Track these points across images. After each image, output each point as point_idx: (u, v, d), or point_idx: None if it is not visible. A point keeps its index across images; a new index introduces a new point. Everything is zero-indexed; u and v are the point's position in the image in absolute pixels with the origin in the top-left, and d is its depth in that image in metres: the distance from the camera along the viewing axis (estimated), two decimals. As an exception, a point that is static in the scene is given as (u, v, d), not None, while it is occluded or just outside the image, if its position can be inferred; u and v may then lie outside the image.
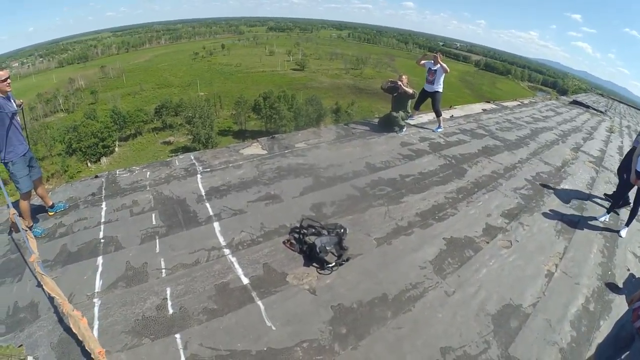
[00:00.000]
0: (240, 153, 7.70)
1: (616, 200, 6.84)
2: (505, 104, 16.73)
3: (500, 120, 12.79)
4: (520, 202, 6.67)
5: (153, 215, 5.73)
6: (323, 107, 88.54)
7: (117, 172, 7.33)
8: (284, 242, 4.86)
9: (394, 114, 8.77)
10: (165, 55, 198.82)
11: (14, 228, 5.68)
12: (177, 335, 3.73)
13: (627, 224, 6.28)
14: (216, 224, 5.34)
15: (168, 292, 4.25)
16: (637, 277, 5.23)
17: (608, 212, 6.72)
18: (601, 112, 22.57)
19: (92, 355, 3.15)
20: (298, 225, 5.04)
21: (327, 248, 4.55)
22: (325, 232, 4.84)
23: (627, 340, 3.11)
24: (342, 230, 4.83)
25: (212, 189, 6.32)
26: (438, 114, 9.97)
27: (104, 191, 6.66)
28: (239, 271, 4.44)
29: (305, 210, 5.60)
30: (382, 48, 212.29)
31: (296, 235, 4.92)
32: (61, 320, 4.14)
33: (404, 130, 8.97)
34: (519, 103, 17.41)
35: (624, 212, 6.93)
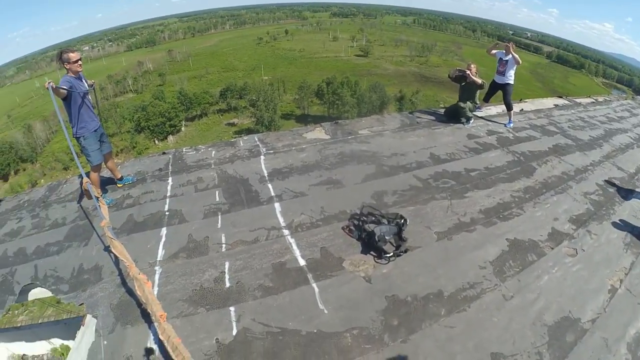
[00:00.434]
0: (304, 137, 7.91)
1: None
2: (578, 100, 15.72)
3: (572, 118, 12.02)
4: (590, 208, 6.26)
5: (217, 193, 6.09)
6: (386, 95, 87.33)
7: (184, 150, 7.85)
8: (342, 228, 4.98)
9: (462, 104, 8.55)
10: (230, 40, 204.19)
11: (86, 195, 6.32)
12: (232, 308, 3.99)
13: None
14: (277, 205, 5.57)
15: (227, 266, 4.54)
16: None
17: None
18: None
19: (153, 318, 3.40)
20: (358, 212, 5.15)
21: (386, 237, 4.58)
22: (385, 221, 4.87)
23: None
24: (402, 221, 4.82)
25: (275, 170, 6.58)
26: (509, 108, 9.52)
27: (170, 167, 7.19)
28: (297, 252, 4.63)
29: (366, 197, 5.66)
30: (448, 35, 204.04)
31: (355, 222, 5.01)
32: (123, 283, 4.59)
33: (471, 122, 8.72)
34: (593, 100, 16.23)
35: None
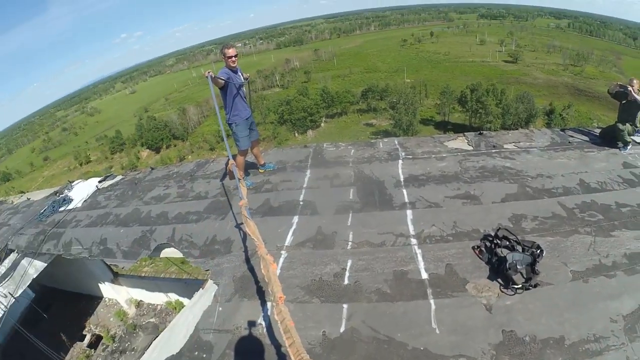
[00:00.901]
0: (445, 145, 7.75)
1: None
2: None
3: None
4: None
5: (351, 191, 6.31)
6: (535, 107, 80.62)
7: (324, 145, 8.28)
8: (473, 248, 4.78)
9: (620, 126, 7.55)
10: (374, 42, 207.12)
11: (230, 175, 7.07)
12: (345, 306, 4.10)
13: None
14: (409, 212, 5.55)
15: (349, 263, 4.67)
16: None
17: None
18: None
19: (272, 298, 3.64)
20: (492, 233, 4.89)
21: (518, 267, 4.28)
22: (519, 248, 4.56)
23: None
24: (538, 251, 4.48)
25: (411, 176, 6.56)
26: None
27: (310, 160, 7.66)
28: (421, 264, 4.56)
29: (503, 219, 5.34)
30: (606, 42, 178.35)
31: (488, 244, 4.77)
32: (247, 260, 5.04)
33: (628, 147, 7.64)
34: None
35: None
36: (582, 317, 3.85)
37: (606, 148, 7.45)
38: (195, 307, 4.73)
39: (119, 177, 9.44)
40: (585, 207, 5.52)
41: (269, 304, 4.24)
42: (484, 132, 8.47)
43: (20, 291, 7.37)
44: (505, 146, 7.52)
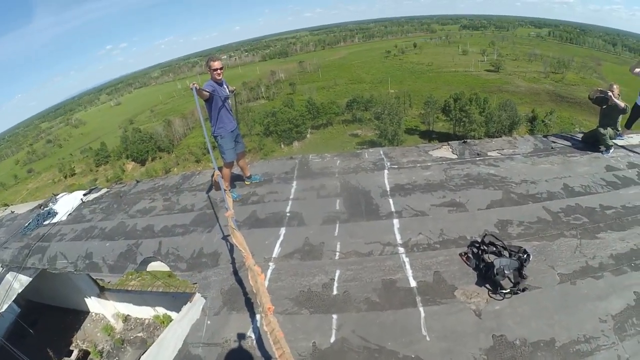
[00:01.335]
0: (430, 154, 7.80)
1: None
2: None
3: None
4: None
5: (338, 201, 6.31)
6: (517, 114, 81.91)
7: (310, 157, 8.28)
8: (460, 254, 4.80)
9: (602, 130, 7.70)
10: (359, 53, 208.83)
11: (215, 187, 7.04)
12: (334, 316, 4.08)
13: None
14: (396, 221, 5.56)
15: (337, 274, 4.65)
16: None
17: None
18: None
19: (261, 309, 3.61)
20: (479, 240, 4.91)
21: (506, 272, 4.30)
22: (506, 253, 4.59)
23: None
24: (525, 256, 4.50)
25: (397, 186, 6.57)
26: None
27: (296, 171, 7.64)
28: (409, 272, 4.56)
29: (489, 225, 5.38)
30: (586, 49, 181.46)
31: (475, 250, 4.79)
32: (235, 272, 5.00)
33: (610, 151, 7.78)
34: None
35: None
36: (572, 319, 3.89)
37: (589, 152, 7.57)
38: (183, 321, 4.67)
39: (104, 190, 9.32)
40: (570, 211, 5.60)
41: (258, 316, 4.20)
42: (468, 140, 8.54)
43: (5, 306, 7.21)
44: (489, 154, 7.60)
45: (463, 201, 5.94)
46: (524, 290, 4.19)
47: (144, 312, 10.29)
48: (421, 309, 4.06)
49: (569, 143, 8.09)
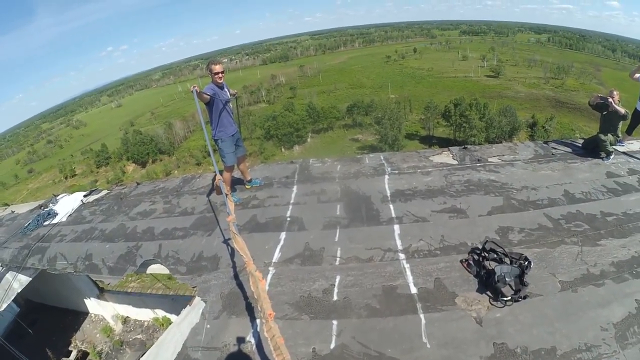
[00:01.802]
0: (430, 160, 7.79)
1: None
2: None
3: None
4: None
5: (338, 206, 6.28)
6: (517, 120, 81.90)
7: (311, 161, 8.26)
8: (461, 261, 4.77)
9: (602, 136, 7.68)
10: (359, 58, 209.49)
11: (217, 191, 7.01)
12: (335, 322, 4.05)
13: None
14: (396, 227, 5.54)
15: (337, 279, 4.63)
16: None
17: None
18: None
19: (262, 314, 3.59)
20: (480, 246, 4.89)
21: (507, 279, 4.29)
22: (507, 260, 4.57)
23: None
24: (526, 263, 4.48)
25: (398, 191, 6.55)
26: None
27: (297, 176, 7.63)
28: (410, 279, 4.54)
29: (490, 231, 5.36)
30: (585, 55, 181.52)
31: (475, 257, 4.76)
32: (236, 276, 4.97)
33: (611, 157, 7.77)
34: None
35: None
36: (573, 327, 3.86)
37: (589, 158, 7.56)
38: (182, 324, 4.64)
39: (104, 192, 9.30)
40: (570, 218, 5.58)
41: (257, 321, 4.18)
42: (469, 146, 8.52)
43: (4, 305, 7.16)
44: (489, 160, 7.59)
45: (464, 207, 5.91)
46: (525, 297, 4.16)
47: (144, 314, 10.25)
48: (422, 315, 4.03)
49: (569, 149, 8.08)
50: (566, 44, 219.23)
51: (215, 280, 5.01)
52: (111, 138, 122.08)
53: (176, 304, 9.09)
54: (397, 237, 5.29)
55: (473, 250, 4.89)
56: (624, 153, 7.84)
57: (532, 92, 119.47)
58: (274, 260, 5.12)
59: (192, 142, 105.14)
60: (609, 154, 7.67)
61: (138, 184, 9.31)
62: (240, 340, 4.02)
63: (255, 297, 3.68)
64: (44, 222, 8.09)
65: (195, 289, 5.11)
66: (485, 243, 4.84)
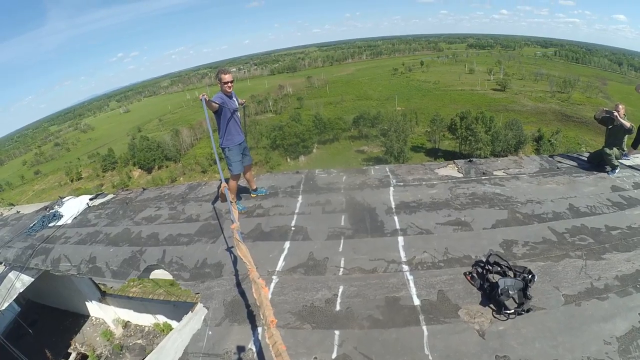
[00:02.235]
0: (435, 172, 7.80)
1: None
2: None
3: None
4: None
5: (343, 217, 6.29)
6: (523, 133, 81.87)
7: (316, 172, 8.30)
8: (465, 274, 4.75)
9: (607, 150, 7.66)
10: (366, 70, 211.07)
11: (222, 198, 7.04)
12: (337, 332, 4.03)
13: None
14: (400, 239, 5.53)
15: (340, 290, 4.61)
16: None
17: None
18: None
19: (264, 322, 3.58)
20: (484, 259, 4.87)
21: (510, 292, 4.26)
22: (511, 274, 4.58)
23: None
24: (529, 277, 4.48)
25: (403, 203, 6.55)
26: None
27: (302, 186, 7.65)
28: (413, 290, 4.52)
29: (494, 245, 5.34)
30: (592, 69, 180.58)
31: (479, 270, 4.75)
32: (239, 284, 4.96)
33: (616, 171, 7.75)
34: None
35: None
36: (576, 341, 3.83)
37: (594, 172, 7.55)
38: (184, 331, 4.62)
39: (110, 196, 9.34)
40: (575, 231, 5.56)
41: (259, 329, 4.16)
42: (474, 159, 8.53)
43: (6, 304, 7.18)
44: (495, 173, 7.59)
45: (468, 220, 5.90)
46: (528, 311, 4.14)
47: (145, 320, 10.24)
48: (424, 327, 4.01)
49: (574, 163, 8.08)
50: (572, 57, 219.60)
51: (218, 288, 5.01)
52: (118, 143, 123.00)
53: (178, 310, 9.09)
54: (401, 249, 5.28)
55: (477, 263, 4.86)
56: (630, 167, 7.83)
57: (538, 105, 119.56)
58: (277, 269, 5.12)
59: (198, 150, 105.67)
60: (614, 167, 7.65)
61: (144, 189, 9.35)
62: (242, 347, 4.01)
63: (258, 304, 3.67)
64: (49, 223, 8.14)
65: (198, 295, 5.11)
66: (489, 256, 4.82)
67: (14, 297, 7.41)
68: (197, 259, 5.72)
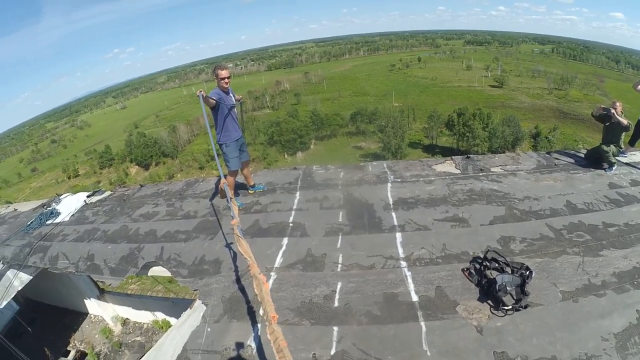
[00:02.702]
0: (433, 168, 7.80)
1: None
2: None
3: None
4: None
5: (340, 213, 6.30)
6: (521, 130, 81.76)
7: (314, 168, 8.30)
8: (462, 270, 4.77)
9: (605, 147, 7.69)
10: (363, 66, 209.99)
11: (221, 195, 7.04)
12: (335, 328, 4.05)
13: None
14: (398, 235, 5.54)
15: (339, 286, 4.63)
16: None
17: None
18: None
19: (266, 317, 3.58)
20: (481, 255, 4.89)
21: (508, 288, 4.31)
22: (508, 270, 4.59)
23: None
24: (527, 273, 4.50)
25: (400, 199, 6.56)
26: None
27: (300, 182, 7.66)
28: (411, 286, 4.54)
29: (492, 241, 5.36)
30: (589, 66, 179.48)
31: (477, 266, 4.76)
32: (237, 280, 4.99)
33: (613, 168, 7.78)
34: None
35: None
36: (574, 337, 3.85)
37: (592, 169, 7.57)
38: (183, 327, 4.63)
39: (107, 193, 9.32)
40: (572, 228, 5.58)
41: (259, 325, 4.18)
42: (471, 155, 8.55)
43: (4, 303, 7.17)
44: (492, 169, 7.61)
45: (466, 216, 5.92)
46: (525, 307, 4.16)
47: (143, 317, 10.23)
48: (422, 323, 4.03)
49: (572, 160, 8.09)
50: (570, 54, 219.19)
51: (217, 284, 5.02)
52: (115, 139, 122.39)
53: (176, 307, 9.09)
54: (399, 245, 5.30)
55: (475, 259, 4.89)
56: (627, 164, 7.85)
57: (536, 102, 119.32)
58: (275, 266, 5.14)
59: (195, 146, 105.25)
60: (611, 164, 7.67)
61: (141, 186, 9.33)
62: (241, 344, 4.02)
63: (259, 299, 3.68)
64: (46, 221, 8.12)
65: (196, 292, 5.12)
66: (486, 252, 4.84)
67: (13, 295, 7.39)
68: (195, 255, 5.73)
